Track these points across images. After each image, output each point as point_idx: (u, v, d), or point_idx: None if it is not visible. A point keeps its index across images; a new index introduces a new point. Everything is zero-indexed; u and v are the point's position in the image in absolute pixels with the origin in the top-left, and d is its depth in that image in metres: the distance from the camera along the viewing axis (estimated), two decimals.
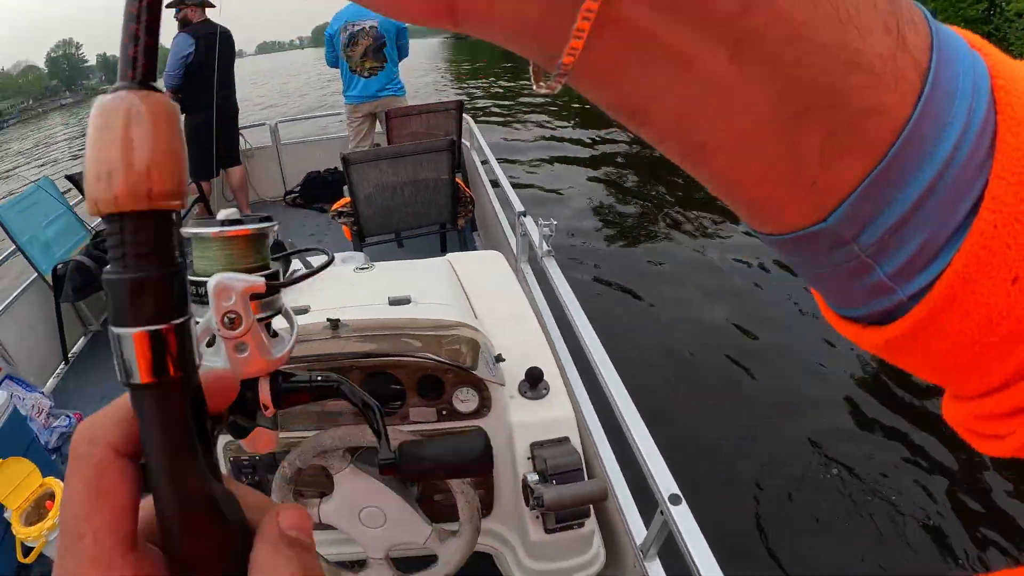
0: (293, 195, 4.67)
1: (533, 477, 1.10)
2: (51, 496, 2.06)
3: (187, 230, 0.34)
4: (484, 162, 3.59)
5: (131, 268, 0.17)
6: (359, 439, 0.95)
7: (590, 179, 7.13)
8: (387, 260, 1.89)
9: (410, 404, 1.12)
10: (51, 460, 2.42)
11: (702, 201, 5.39)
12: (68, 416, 2.69)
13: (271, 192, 4.82)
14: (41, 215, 3.04)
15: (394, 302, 1.32)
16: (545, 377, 1.29)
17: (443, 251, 3.56)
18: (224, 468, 1.16)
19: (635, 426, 1.23)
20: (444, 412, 1.13)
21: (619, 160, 7.93)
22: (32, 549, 1.90)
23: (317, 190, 4.55)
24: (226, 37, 3.77)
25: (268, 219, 0.35)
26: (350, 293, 1.46)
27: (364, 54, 3.63)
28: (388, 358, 1.06)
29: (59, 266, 2.86)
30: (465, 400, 1.12)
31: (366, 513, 1.04)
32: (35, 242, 2.93)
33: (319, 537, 1.17)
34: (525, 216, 2.25)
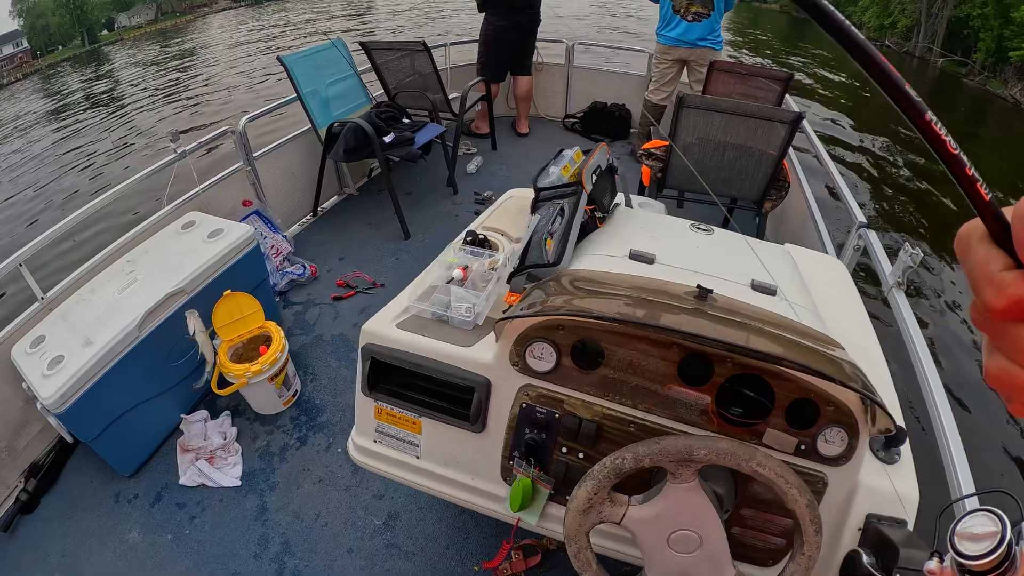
0: (573, 120, 4.54)
1: (869, 559, 0.87)
2: (266, 340, 2.06)
3: None
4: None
5: None
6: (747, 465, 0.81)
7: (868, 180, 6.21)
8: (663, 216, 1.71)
9: (771, 423, 0.93)
10: (275, 303, 2.50)
11: None
12: (303, 265, 2.76)
13: (551, 111, 4.75)
14: (328, 73, 3.14)
15: (758, 287, 1.14)
16: None
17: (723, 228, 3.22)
18: (514, 410, 1.05)
19: None
20: (803, 447, 0.93)
21: (905, 168, 6.92)
22: (229, 384, 1.90)
23: (599, 121, 4.38)
24: None
25: None
26: (695, 256, 1.28)
27: None
28: (803, 369, 0.81)
29: (335, 124, 2.92)
30: (831, 442, 0.93)
31: (678, 536, 0.89)
32: (316, 96, 3.03)
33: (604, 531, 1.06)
34: (868, 229, 1.90)
